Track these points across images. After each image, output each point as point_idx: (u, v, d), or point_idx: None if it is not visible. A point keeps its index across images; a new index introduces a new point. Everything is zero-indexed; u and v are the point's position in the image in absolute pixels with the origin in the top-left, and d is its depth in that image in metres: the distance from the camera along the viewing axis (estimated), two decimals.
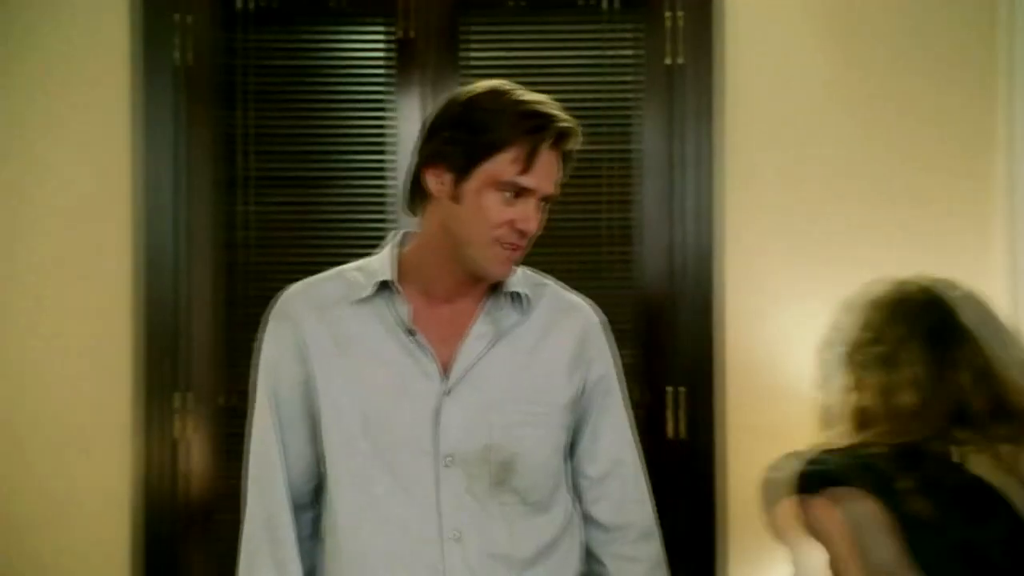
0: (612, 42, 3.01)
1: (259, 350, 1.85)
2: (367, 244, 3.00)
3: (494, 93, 1.75)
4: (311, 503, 1.81)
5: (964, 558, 1.65)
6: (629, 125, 3.01)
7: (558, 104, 1.78)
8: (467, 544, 1.71)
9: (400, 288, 1.77)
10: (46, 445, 3.01)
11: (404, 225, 2.98)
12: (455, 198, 1.72)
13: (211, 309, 3.00)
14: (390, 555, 1.70)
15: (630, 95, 3.01)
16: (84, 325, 3.02)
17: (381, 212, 3.03)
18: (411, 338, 1.75)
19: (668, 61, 3.00)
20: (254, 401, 1.85)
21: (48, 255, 3.03)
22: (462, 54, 3.03)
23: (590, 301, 1.97)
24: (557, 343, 1.83)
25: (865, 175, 3.00)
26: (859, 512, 1.66)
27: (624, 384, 1.96)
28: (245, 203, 3.02)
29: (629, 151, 3.01)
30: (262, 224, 3.01)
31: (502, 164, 1.70)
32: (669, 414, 2.95)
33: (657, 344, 2.98)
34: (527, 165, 1.70)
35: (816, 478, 1.71)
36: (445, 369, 1.75)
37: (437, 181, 1.74)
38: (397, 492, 1.71)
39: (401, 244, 1.85)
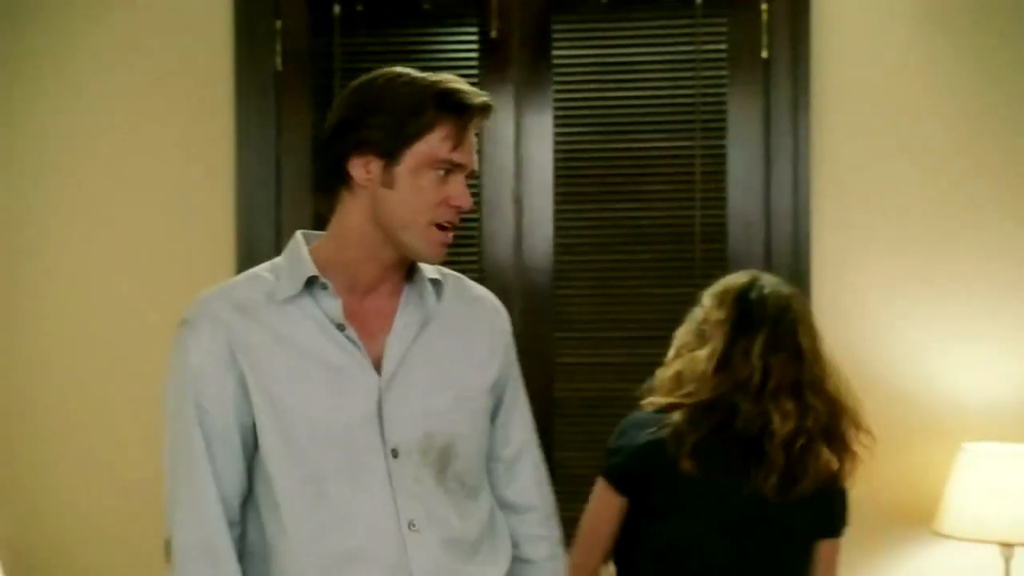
0: (705, 37, 2.99)
1: (174, 362, 1.75)
2: (458, 243, 3.04)
3: (406, 76, 1.75)
4: (239, 520, 1.76)
5: (725, 501, 2.12)
6: (723, 121, 2.98)
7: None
8: (425, 533, 1.73)
9: (328, 283, 1.75)
10: (153, 442, 3.10)
11: (496, 223, 3.04)
12: (387, 183, 1.71)
13: None
14: (351, 555, 1.70)
15: (723, 90, 2.98)
16: None
17: (473, 212, 3.04)
18: (342, 334, 1.74)
19: (765, 54, 2.96)
20: (171, 417, 1.74)
21: (155, 252, 3.13)
22: (554, 52, 3.03)
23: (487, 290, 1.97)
24: (475, 329, 1.86)
25: (965, 171, 2.92)
26: (608, 504, 2.24)
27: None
28: None
29: (722, 147, 2.98)
30: None
31: (434, 143, 1.71)
32: None
33: None
34: (457, 141, 1.72)
35: (610, 466, 2.23)
36: (376, 362, 1.75)
37: (364, 169, 1.72)
38: (352, 491, 1.71)
39: (306, 244, 1.82)
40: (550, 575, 1.93)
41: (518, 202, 3.04)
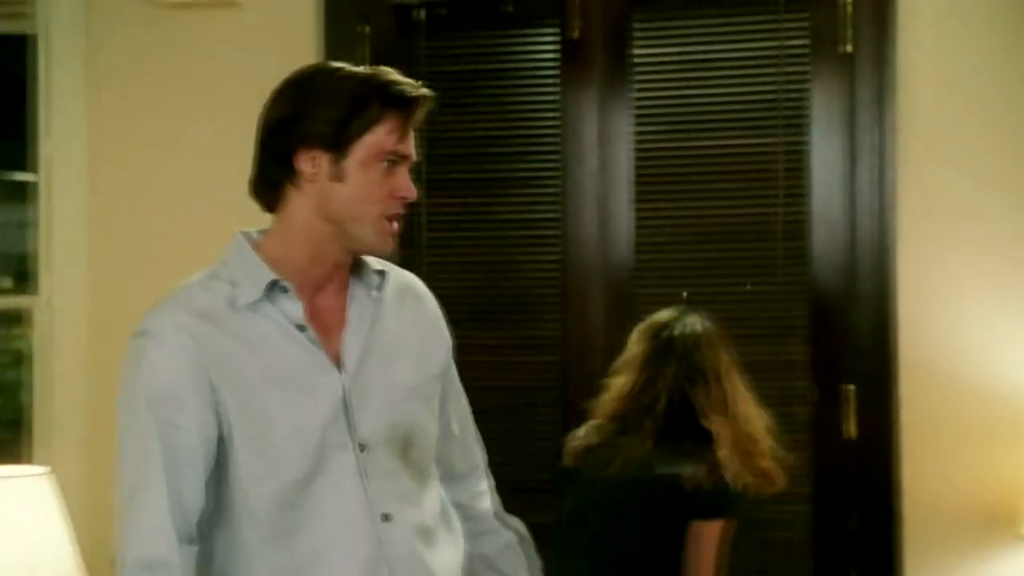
0: (786, 32, 2.95)
1: (132, 374, 1.71)
2: (540, 243, 3.09)
3: (344, 69, 1.75)
4: (198, 537, 1.71)
5: (591, 491, 2.55)
6: (804, 116, 2.94)
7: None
8: (398, 524, 1.74)
9: (289, 286, 1.73)
10: None
11: (578, 222, 3.06)
12: (336, 177, 1.70)
13: None
14: (328, 552, 1.71)
15: (805, 86, 2.95)
16: None
17: (555, 212, 3.07)
18: (303, 335, 1.73)
19: (849, 49, 2.92)
20: (128, 431, 1.69)
21: None
22: (634, 51, 3.03)
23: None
24: (419, 316, 1.86)
25: None
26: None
27: None
28: (423, 204, 3.11)
29: (803, 143, 2.95)
30: (438, 225, 3.11)
31: (381, 135, 1.70)
32: (847, 413, 2.90)
33: (832, 342, 2.92)
34: (403, 134, 1.72)
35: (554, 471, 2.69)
36: (335, 358, 1.76)
37: (311, 164, 1.71)
38: (326, 489, 1.71)
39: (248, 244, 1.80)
40: (498, 521, 1.97)
41: (600, 201, 3.05)
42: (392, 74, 1.74)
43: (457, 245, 3.12)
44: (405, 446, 1.78)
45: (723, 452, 2.46)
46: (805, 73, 2.95)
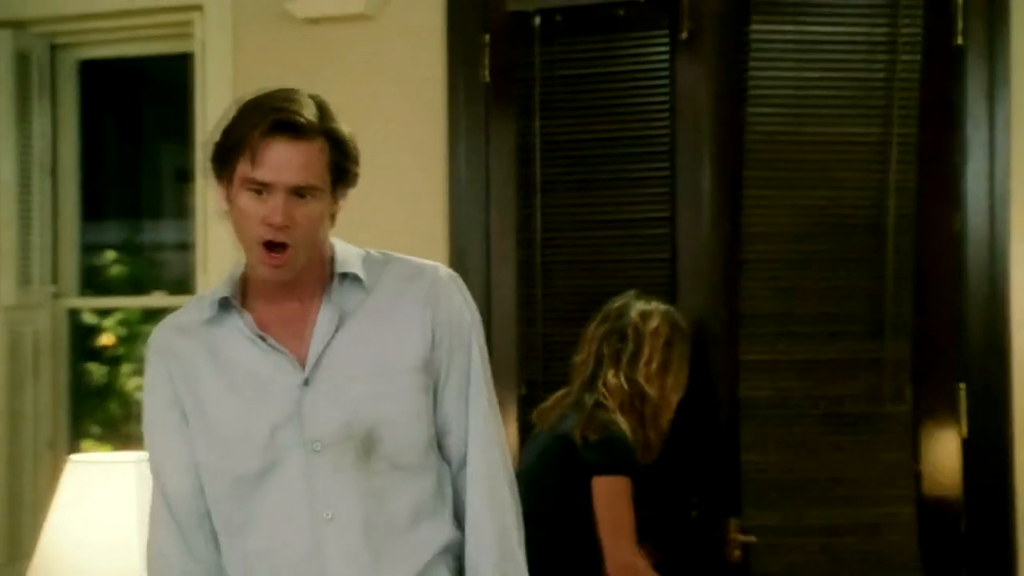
0: (904, 20, 2.91)
1: (147, 393, 1.95)
2: (650, 242, 3.14)
3: (241, 101, 1.84)
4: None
5: (530, 447, 2.88)
6: (915, 107, 2.90)
7: (294, 96, 1.82)
8: (342, 522, 1.79)
9: (236, 303, 1.88)
10: None
11: (689, 215, 3.09)
12: (227, 207, 1.85)
13: (511, 304, 3.23)
14: (263, 553, 1.81)
15: (917, 75, 2.90)
16: None
17: (665, 211, 3.12)
18: (264, 342, 1.86)
19: (959, 41, 2.88)
20: (150, 428, 1.94)
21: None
22: (746, 50, 3.03)
23: (438, 263, 1.98)
24: (405, 310, 1.89)
25: None
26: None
27: (482, 333, 1.96)
28: (542, 206, 3.20)
29: (914, 135, 2.90)
30: (553, 225, 3.20)
31: (244, 164, 1.80)
32: (958, 412, 2.86)
33: (941, 339, 2.89)
34: (255, 160, 1.78)
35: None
36: (303, 361, 1.85)
37: (219, 195, 1.87)
38: (268, 490, 1.81)
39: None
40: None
41: (709, 200, 3.07)
42: (261, 100, 1.83)
43: (571, 245, 3.20)
44: (368, 443, 1.83)
45: (613, 410, 2.72)
46: (915, 63, 2.90)
